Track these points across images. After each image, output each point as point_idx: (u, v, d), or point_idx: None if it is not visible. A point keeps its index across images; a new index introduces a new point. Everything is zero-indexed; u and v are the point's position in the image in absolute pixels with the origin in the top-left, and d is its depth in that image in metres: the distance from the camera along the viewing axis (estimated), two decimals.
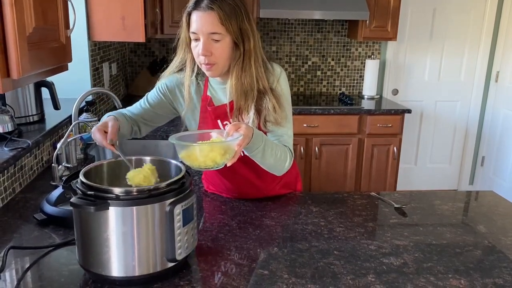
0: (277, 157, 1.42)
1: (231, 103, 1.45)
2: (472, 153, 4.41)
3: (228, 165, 1.23)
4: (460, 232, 1.44)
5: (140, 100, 1.58)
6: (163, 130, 2.60)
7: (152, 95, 1.57)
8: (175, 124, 2.40)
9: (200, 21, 1.33)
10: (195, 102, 1.54)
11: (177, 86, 1.53)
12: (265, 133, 1.46)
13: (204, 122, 1.53)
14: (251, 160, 1.41)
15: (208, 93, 1.52)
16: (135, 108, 1.57)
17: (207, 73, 1.43)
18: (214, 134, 1.27)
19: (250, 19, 1.39)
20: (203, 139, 1.26)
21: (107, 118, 1.39)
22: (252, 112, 1.41)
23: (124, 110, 1.56)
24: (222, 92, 1.49)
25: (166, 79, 1.54)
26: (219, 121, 1.50)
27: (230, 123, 1.37)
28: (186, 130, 1.59)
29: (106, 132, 1.31)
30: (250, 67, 1.39)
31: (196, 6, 1.34)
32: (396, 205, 1.62)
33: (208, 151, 1.18)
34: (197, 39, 1.37)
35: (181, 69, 1.51)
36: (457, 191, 2.39)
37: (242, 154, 1.41)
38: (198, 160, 1.19)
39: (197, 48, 1.37)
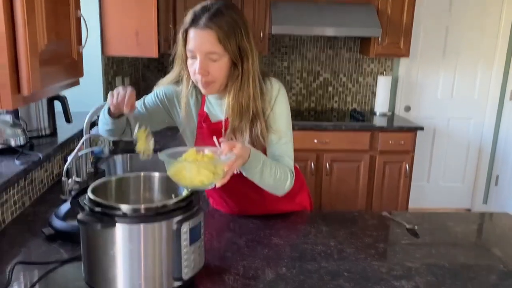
0: (276, 177, 1.37)
1: (226, 121, 1.42)
2: (486, 172, 4.33)
3: (217, 186, 1.17)
4: (474, 255, 1.40)
5: (136, 102, 1.52)
6: (173, 144, 2.59)
7: (149, 99, 1.53)
8: None
9: (197, 40, 1.30)
10: (193, 115, 1.51)
11: (176, 96, 1.50)
12: (264, 151, 1.41)
13: (200, 138, 1.49)
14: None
15: (205, 108, 1.49)
16: None
17: (203, 91, 1.39)
18: (207, 151, 1.20)
19: (250, 37, 1.34)
20: None
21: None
22: (247, 134, 1.37)
23: None
24: (219, 107, 1.45)
25: (164, 87, 1.52)
26: (214, 137, 1.43)
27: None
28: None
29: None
30: (248, 86, 1.35)
31: (194, 23, 1.30)
32: (408, 226, 1.58)
33: (195, 170, 1.12)
34: (193, 57, 1.33)
35: (178, 81, 1.48)
36: (470, 212, 2.34)
37: (238, 172, 1.36)
38: (185, 179, 1.13)
39: (193, 66, 1.33)
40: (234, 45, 1.30)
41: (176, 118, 1.53)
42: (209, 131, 1.46)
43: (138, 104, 1.53)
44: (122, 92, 1.32)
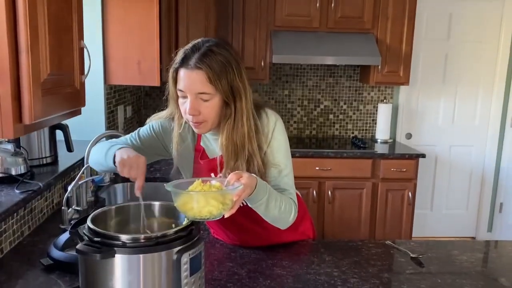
0: (281, 209, 1.34)
1: (221, 159, 1.39)
2: (490, 199, 4.29)
3: (226, 216, 1.15)
4: (481, 285, 1.37)
5: (130, 134, 1.51)
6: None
7: (144, 132, 1.49)
8: None
9: (187, 80, 1.27)
10: (190, 149, 1.48)
11: (173, 129, 1.45)
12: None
13: (197, 174, 1.46)
14: (252, 211, 1.32)
15: (202, 143, 1.47)
16: (124, 142, 1.47)
17: (195, 130, 1.37)
18: (214, 182, 1.18)
19: (243, 75, 1.31)
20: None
21: (135, 153, 1.28)
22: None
23: (114, 143, 1.46)
24: (216, 142, 1.41)
25: (161, 120, 1.49)
26: (212, 174, 1.42)
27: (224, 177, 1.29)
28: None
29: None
30: (242, 125, 1.32)
31: (184, 63, 1.28)
32: (412, 255, 1.55)
33: (203, 201, 1.10)
34: (184, 97, 1.31)
35: (172, 118, 1.45)
36: (475, 240, 2.31)
37: (243, 204, 1.34)
38: (193, 210, 1.11)
39: (184, 105, 1.31)
40: (225, 84, 1.27)
41: (171, 151, 1.48)
42: (206, 167, 1.45)
43: (132, 137, 1.50)
44: (133, 173, 1.24)
